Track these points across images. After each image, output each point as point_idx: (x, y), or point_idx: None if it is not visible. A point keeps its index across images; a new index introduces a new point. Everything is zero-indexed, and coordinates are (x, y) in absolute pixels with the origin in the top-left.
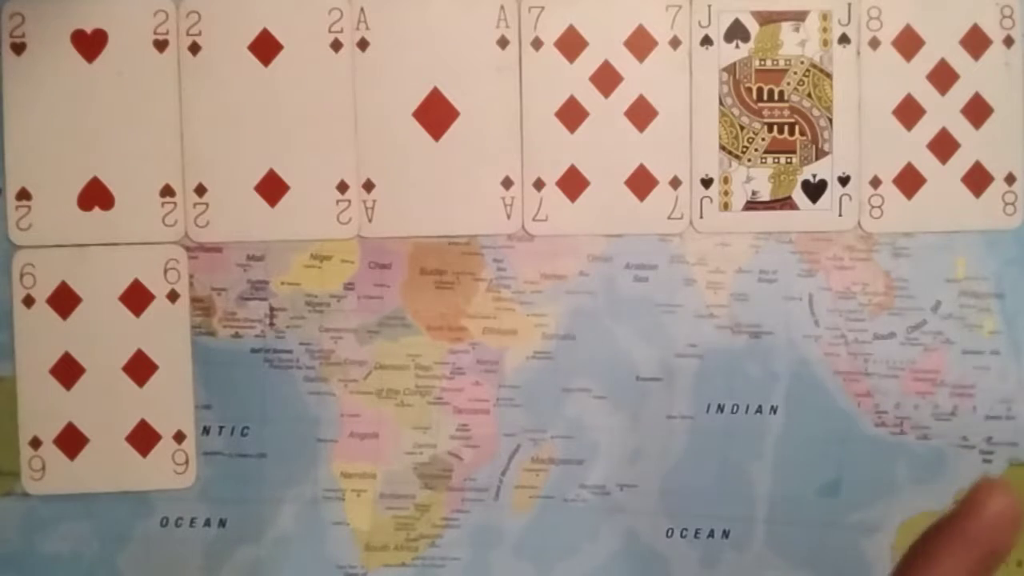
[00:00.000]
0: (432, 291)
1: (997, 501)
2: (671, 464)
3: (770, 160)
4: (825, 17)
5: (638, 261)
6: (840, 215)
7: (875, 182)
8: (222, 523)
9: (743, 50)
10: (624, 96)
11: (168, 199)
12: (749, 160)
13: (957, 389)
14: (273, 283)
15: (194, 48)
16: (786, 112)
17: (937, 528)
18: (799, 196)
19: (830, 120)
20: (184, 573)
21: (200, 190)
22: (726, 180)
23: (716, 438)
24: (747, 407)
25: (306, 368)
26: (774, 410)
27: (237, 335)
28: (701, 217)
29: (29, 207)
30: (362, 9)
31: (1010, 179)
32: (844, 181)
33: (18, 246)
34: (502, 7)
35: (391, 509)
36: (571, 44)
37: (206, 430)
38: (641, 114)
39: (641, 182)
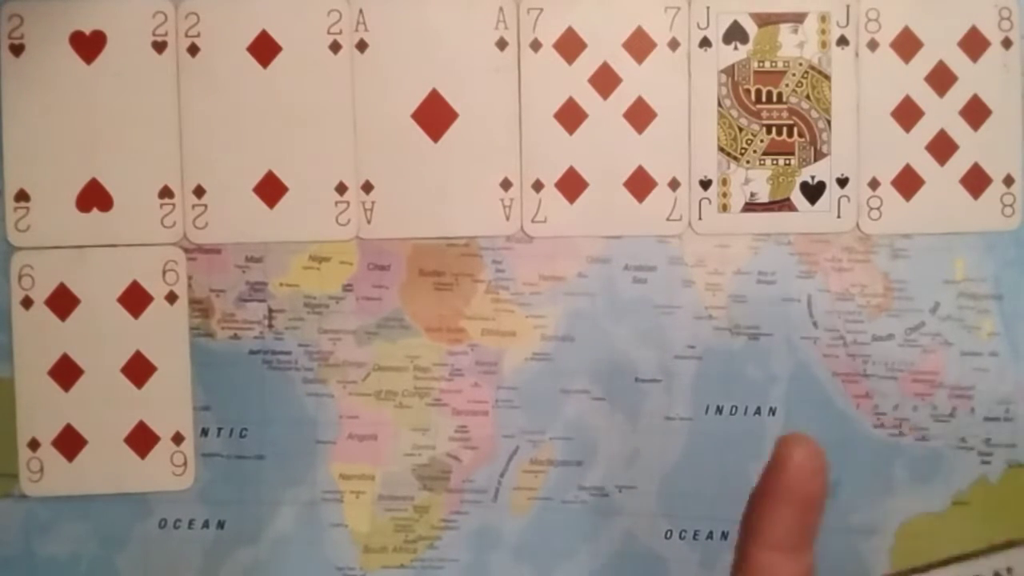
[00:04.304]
0: (431, 292)
1: (798, 451)
2: (670, 465)
3: (769, 162)
4: (823, 19)
5: (637, 262)
6: (839, 217)
7: (873, 183)
8: (221, 525)
9: (742, 52)
10: (623, 98)
11: (167, 200)
12: (748, 162)
13: (956, 391)
14: (272, 284)
15: (193, 49)
16: (785, 114)
17: (754, 495)
18: (798, 198)
19: (828, 122)
20: (183, 575)
21: (199, 191)
22: (725, 182)
23: (715, 440)
24: (746, 408)
25: (305, 370)
26: (773, 412)
27: (236, 336)
28: (700, 218)
29: (28, 208)
30: (361, 11)
31: (1008, 180)
32: (843, 183)
33: (16, 247)
34: (501, 8)
35: (390, 511)
36: (570, 45)
37: (205, 432)
38: (640, 116)
39: (640, 184)
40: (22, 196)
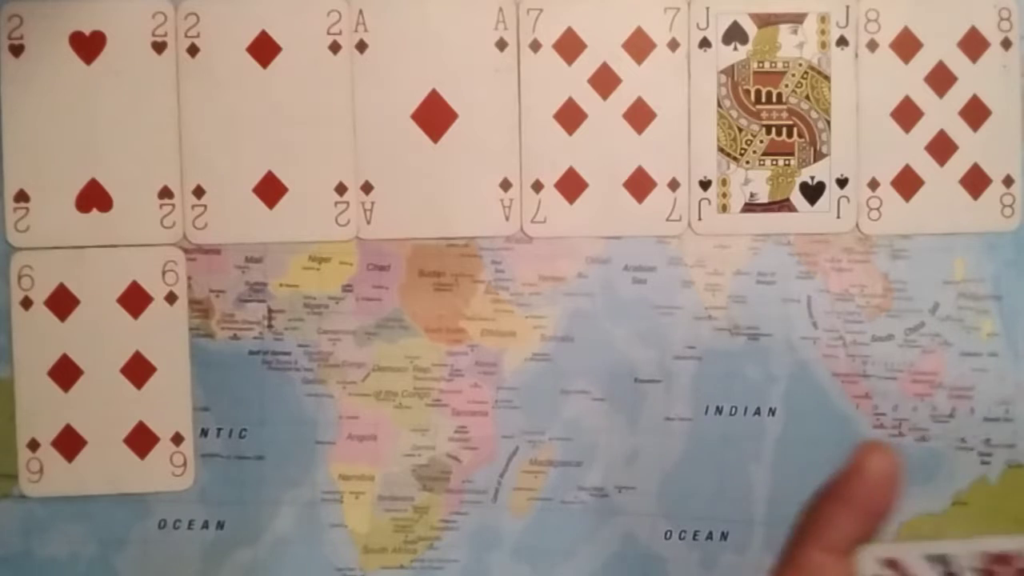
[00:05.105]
0: (431, 293)
1: (877, 461)
2: (669, 466)
3: (768, 162)
4: (823, 19)
5: (636, 263)
6: (838, 217)
7: (873, 184)
8: (220, 525)
9: (741, 52)
10: (622, 98)
11: (166, 201)
12: (747, 162)
13: (955, 391)
14: (271, 285)
15: (192, 50)
16: (784, 114)
17: (824, 492)
18: (797, 198)
19: (828, 122)
20: (182, 575)
21: (198, 192)
22: (724, 182)
23: (714, 440)
24: (745, 409)
25: (304, 370)
26: (772, 412)
27: (235, 337)
28: (699, 219)
29: (27, 209)
30: (361, 11)
31: (1008, 181)
32: (842, 183)
33: (16, 248)
34: (501, 9)
35: (389, 511)
36: (569, 46)
37: (204, 432)
38: (639, 116)
39: (639, 184)
40: (22, 196)
